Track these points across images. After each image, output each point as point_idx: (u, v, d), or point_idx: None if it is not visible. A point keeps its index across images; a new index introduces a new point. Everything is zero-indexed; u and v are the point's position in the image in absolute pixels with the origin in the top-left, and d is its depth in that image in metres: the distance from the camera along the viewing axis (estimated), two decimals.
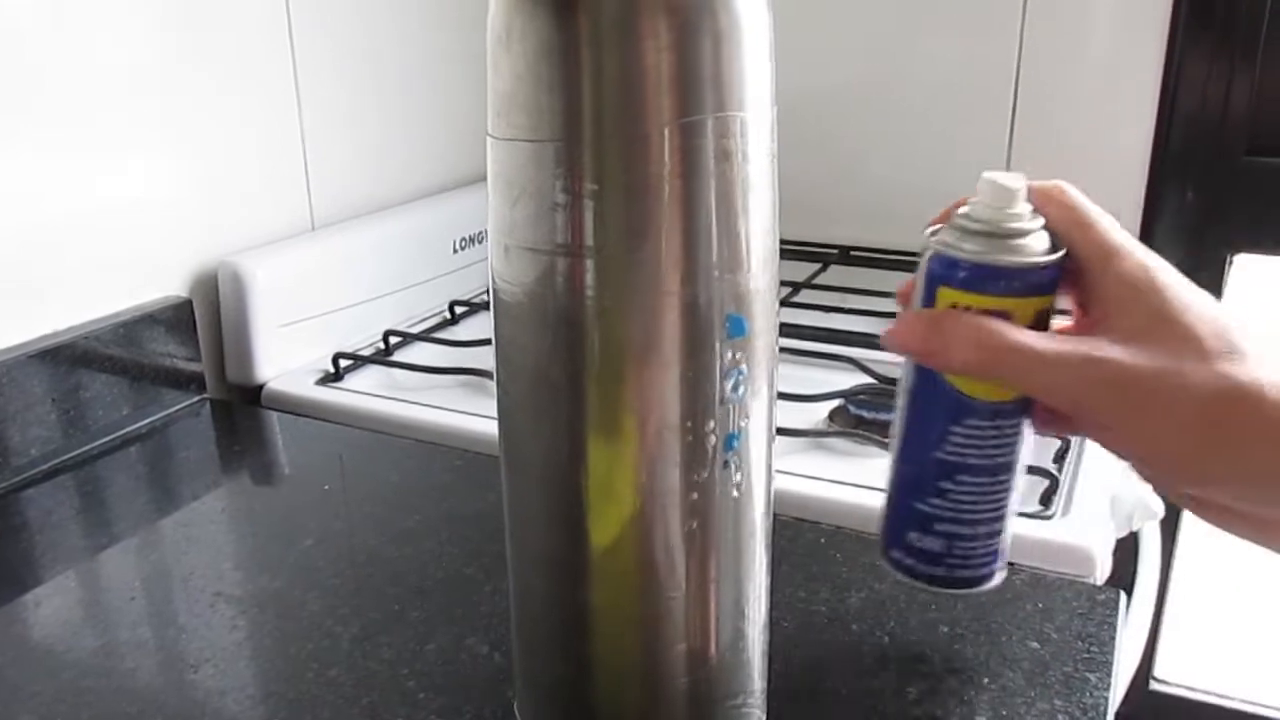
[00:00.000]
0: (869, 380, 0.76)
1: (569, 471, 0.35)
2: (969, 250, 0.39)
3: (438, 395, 0.78)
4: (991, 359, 0.38)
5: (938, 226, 0.41)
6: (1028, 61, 1.05)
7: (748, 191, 0.33)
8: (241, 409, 0.79)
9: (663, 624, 0.36)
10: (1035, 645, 0.47)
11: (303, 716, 0.44)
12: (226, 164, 0.81)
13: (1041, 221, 0.39)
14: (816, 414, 0.72)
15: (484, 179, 0.35)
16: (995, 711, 0.43)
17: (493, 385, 0.37)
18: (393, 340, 0.88)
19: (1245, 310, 1.05)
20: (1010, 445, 0.43)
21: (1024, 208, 0.39)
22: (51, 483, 0.66)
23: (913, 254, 0.41)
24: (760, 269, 0.34)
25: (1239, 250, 1.04)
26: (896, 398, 0.43)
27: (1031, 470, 0.55)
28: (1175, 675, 1.19)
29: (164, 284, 0.77)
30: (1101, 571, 0.57)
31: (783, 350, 0.80)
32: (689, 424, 0.34)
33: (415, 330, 0.91)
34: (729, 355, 0.34)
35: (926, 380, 0.42)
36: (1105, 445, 0.42)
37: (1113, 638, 0.48)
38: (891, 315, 0.41)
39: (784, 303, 0.96)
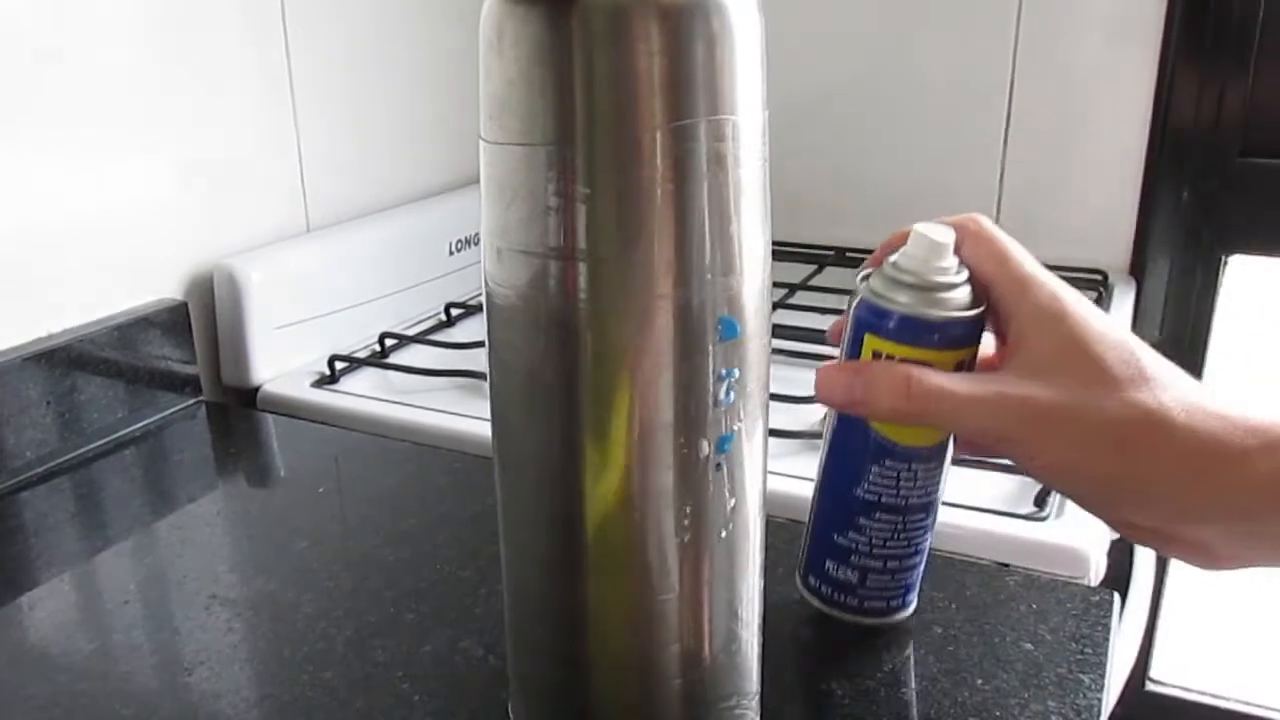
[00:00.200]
0: None
1: (562, 474, 0.35)
2: (899, 302, 0.40)
3: (433, 397, 0.78)
4: (917, 407, 0.39)
5: (869, 271, 0.42)
6: (1023, 64, 1.05)
7: (740, 194, 0.33)
8: (237, 411, 0.79)
9: (656, 626, 0.36)
10: (1029, 646, 0.48)
11: (297, 719, 0.44)
12: (222, 167, 0.81)
13: (966, 274, 0.40)
14: (811, 416, 0.72)
15: (479, 181, 0.35)
16: (989, 713, 0.43)
17: (487, 387, 0.37)
18: (388, 342, 0.88)
19: (1241, 311, 1.05)
20: (926, 486, 0.44)
21: (952, 260, 0.40)
22: (47, 485, 0.66)
23: None
24: (753, 272, 0.34)
25: (1234, 251, 1.04)
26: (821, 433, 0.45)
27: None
28: (1171, 676, 1.19)
29: (159, 287, 0.77)
30: (1095, 573, 0.57)
31: (778, 352, 0.81)
32: (682, 426, 0.34)
33: (411, 332, 0.91)
34: (722, 358, 0.34)
35: (849, 421, 0.44)
36: (1033, 475, 0.43)
37: (1107, 639, 0.48)
38: None
39: (780, 304, 0.96)
